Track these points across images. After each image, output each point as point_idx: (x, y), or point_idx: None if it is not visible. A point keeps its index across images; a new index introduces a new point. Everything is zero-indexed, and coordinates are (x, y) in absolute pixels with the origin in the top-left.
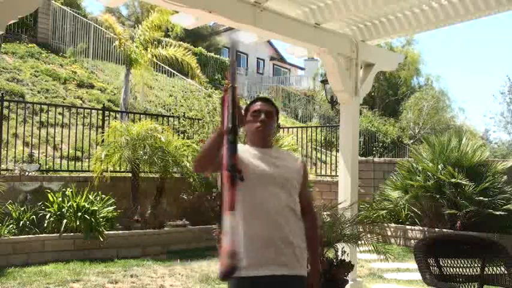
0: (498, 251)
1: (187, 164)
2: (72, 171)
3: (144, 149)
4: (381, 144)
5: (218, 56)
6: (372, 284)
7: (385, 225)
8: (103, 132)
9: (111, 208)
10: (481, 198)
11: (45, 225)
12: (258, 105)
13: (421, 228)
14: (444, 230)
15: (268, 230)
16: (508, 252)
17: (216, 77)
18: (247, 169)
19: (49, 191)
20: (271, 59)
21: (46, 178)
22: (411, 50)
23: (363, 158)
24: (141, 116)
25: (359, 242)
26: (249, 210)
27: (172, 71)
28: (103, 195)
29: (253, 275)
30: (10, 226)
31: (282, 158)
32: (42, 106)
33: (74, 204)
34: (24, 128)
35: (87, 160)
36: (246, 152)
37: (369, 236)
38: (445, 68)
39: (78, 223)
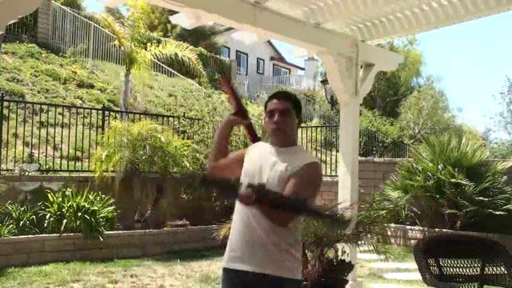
0: (498, 251)
1: (187, 164)
2: (72, 171)
3: (144, 149)
4: (381, 144)
5: (218, 56)
6: (372, 284)
7: (385, 225)
8: (103, 132)
9: (111, 208)
10: (481, 198)
11: (45, 225)
12: (272, 104)
13: (421, 228)
14: (444, 230)
15: (244, 228)
16: (508, 252)
17: (216, 77)
18: (243, 170)
19: (49, 191)
20: (271, 59)
21: (46, 178)
22: (413, 50)
23: (363, 158)
24: (141, 116)
25: (359, 242)
26: (236, 209)
27: (172, 71)
28: (103, 195)
29: (228, 267)
30: (10, 226)
31: (289, 160)
32: (42, 106)
33: (74, 204)
34: (24, 128)
35: (87, 160)
36: (257, 151)
37: (369, 236)
38: (445, 68)
39: (78, 223)
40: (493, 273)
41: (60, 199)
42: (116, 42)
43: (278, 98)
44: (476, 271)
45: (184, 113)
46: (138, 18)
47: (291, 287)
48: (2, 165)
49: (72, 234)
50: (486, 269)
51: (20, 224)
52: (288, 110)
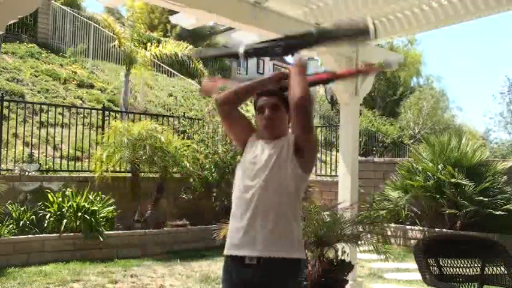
0: (498, 251)
1: (187, 164)
2: (72, 171)
3: (144, 149)
4: (381, 144)
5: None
6: (372, 284)
7: (385, 225)
8: (103, 133)
9: (111, 208)
10: (481, 198)
11: (45, 225)
12: (262, 101)
13: (421, 228)
14: (444, 230)
15: (244, 217)
16: (508, 252)
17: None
18: (242, 162)
19: (49, 191)
20: (271, 59)
21: (46, 178)
22: (412, 50)
23: (363, 158)
24: (141, 116)
25: (359, 242)
26: (235, 198)
27: (172, 71)
28: (103, 195)
29: (229, 254)
30: (10, 226)
31: (280, 145)
32: (42, 106)
33: (74, 204)
34: (24, 128)
35: (87, 160)
36: (252, 143)
37: (369, 236)
38: (445, 68)
39: (78, 223)
40: (493, 273)
41: (60, 199)
42: (116, 42)
43: (266, 95)
44: (476, 271)
45: (184, 113)
46: (137, 18)
47: (300, 267)
48: (2, 165)
49: (72, 234)
50: (486, 269)
51: (20, 224)
52: (277, 105)
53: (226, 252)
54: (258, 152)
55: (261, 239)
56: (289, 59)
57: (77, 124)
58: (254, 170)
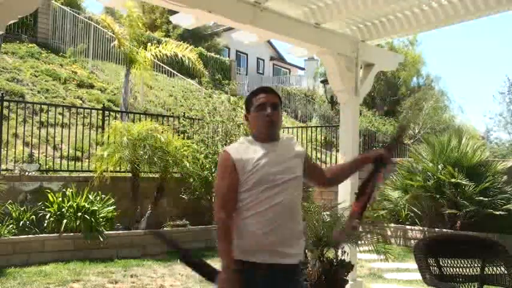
0: (498, 251)
1: (187, 164)
2: (72, 171)
3: (144, 149)
4: (381, 144)
5: (218, 56)
6: (372, 284)
7: (385, 225)
8: (103, 133)
9: (111, 208)
10: (481, 198)
11: (45, 225)
12: (262, 98)
13: (421, 228)
14: (444, 230)
15: (285, 222)
16: (508, 252)
17: (217, 77)
18: (254, 171)
19: (49, 191)
20: (271, 59)
21: (46, 178)
22: (411, 51)
23: None
24: (141, 116)
25: (359, 242)
26: (263, 208)
27: (172, 71)
28: (103, 195)
29: (276, 262)
30: (10, 226)
31: (287, 150)
32: (42, 106)
33: (74, 204)
34: (24, 128)
35: (87, 160)
36: (251, 150)
37: (369, 236)
38: (445, 68)
39: (78, 223)
40: (493, 273)
41: (60, 199)
42: (116, 42)
43: (266, 92)
44: (476, 271)
45: (184, 113)
46: (134, 18)
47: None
48: (2, 165)
49: (72, 234)
50: (486, 269)
51: (20, 224)
52: (277, 104)
53: (271, 260)
54: (273, 157)
55: (297, 241)
56: (288, 58)
57: (77, 124)
58: (282, 175)
